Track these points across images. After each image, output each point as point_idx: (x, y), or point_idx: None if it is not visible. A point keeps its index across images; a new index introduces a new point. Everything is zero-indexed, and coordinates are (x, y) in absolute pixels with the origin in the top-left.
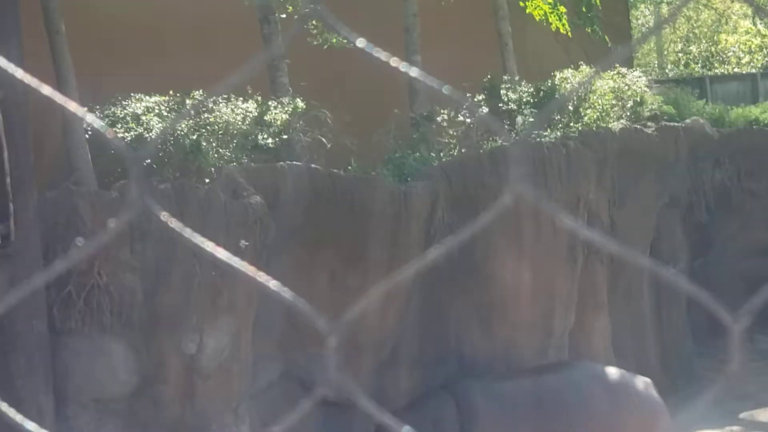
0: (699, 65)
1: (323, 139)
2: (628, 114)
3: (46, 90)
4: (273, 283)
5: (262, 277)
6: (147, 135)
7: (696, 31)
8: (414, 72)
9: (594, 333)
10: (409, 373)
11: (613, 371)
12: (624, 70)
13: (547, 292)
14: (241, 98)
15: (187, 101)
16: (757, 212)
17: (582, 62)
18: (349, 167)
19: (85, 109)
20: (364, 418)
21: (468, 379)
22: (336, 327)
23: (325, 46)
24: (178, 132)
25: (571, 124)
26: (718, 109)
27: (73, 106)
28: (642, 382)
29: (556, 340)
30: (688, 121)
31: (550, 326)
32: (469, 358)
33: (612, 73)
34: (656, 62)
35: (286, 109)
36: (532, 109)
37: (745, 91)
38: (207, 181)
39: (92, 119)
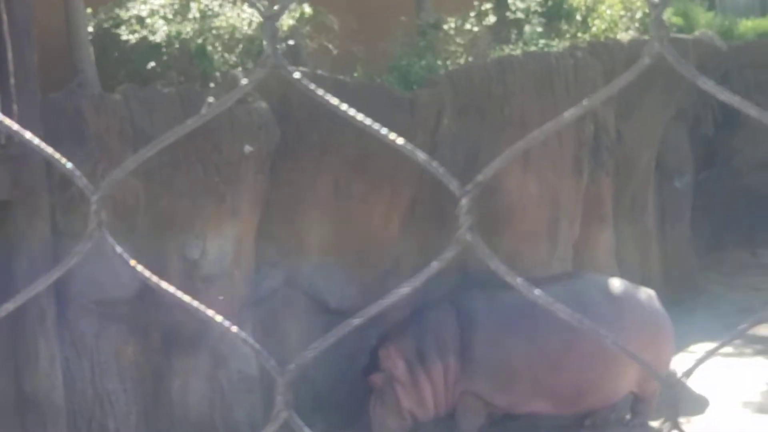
0: None
1: (329, 46)
2: (637, 25)
3: None
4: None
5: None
6: (152, 37)
7: None
8: None
9: (598, 245)
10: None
11: (616, 282)
12: None
13: (552, 203)
14: (247, 2)
15: (192, 4)
16: (764, 127)
17: None
18: (355, 74)
19: (89, 10)
20: (364, 328)
21: (469, 290)
22: (467, 190)
23: None
24: (183, 35)
25: (579, 34)
26: (728, 21)
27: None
28: (645, 293)
29: (561, 252)
30: (697, 33)
31: (555, 238)
32: (472, 269)
33: None
34: None
35: (292, 14)
36: (540, 19)
37: (754, 4)
38: (212, 85)
39: None
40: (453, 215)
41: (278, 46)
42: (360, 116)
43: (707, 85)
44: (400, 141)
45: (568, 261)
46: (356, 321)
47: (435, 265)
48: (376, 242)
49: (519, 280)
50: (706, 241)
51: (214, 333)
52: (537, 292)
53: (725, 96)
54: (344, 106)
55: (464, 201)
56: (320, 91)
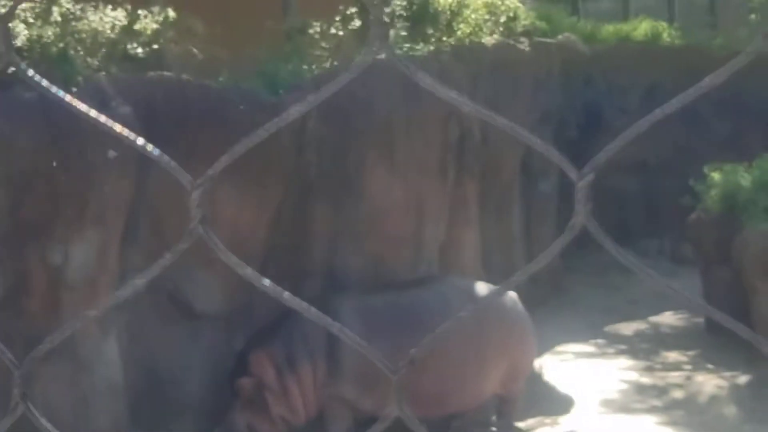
0: None
1: (195, 50)
2: (501, 29)
3: None
4: None
5: None
6: (12, 41)
7: None
8: None
9: (464, 248)
10: (278, 286)
11: (479, 285)
12: None
13: (417, 206)
14: (110, 6)
15: (54, 8)
16: (627, 129)
17: None
18: (221, 79)
19: None
20: (230, 331)
21: (335, 293)
22: (200, 181)
23: None
24: (45, 39)
25: (444, 38)
26: (590, 26)
27: None
28: (508, 296)
29: (426, 255)
30: (560, 37)
31: (420, 241)
32: (339, 272)
33: None
34: None
35: (156, 18)
36: (405, 23)
37: (617, 9)
38: (74, 90)
39: None
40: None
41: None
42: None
43: (450, 95)
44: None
45: (434, 264)
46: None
47: (168, 257)
48: (243, 246)
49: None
50: (570, 242)
51: (77, 339)
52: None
53: (470, 107)
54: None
55: (195, 194)
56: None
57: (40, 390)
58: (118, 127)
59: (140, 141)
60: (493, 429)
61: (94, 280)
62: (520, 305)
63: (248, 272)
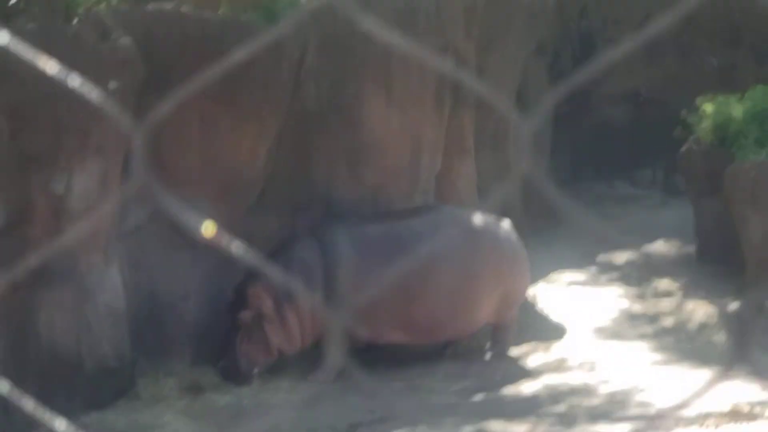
0: None
1: None
2: None
3: None
4: None
5: None
6: None
7: None
8: None
9: (460, 178)
10: (277, 217)
11: (473, 215)
12: None
13: (414, 137)
14: None
15: None
16: (622, 62)
17: None
18: (220, 11)
19: None
20: (231, 259)
21: (332, 222)
22: (141, 126)
23: None
24: None
25: None
26: None
27: None
28: (501, 225)
29: (423, 185)
30: None
31: (417, 171)
32: (337, 202)
33: None
34: None
35: None
36: None
37: None
38: (75, 21)
39: None
40: (317, 149)
41: None
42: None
43: (398, 42)
44: None
45: (430, 193)
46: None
47: (112, 199)
48: (243, 176)
49: None
50: (565, 173)
51: (81, 267)
52: None
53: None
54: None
55: (138, 139)
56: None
57: (46, 317)
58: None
59: (76, 82)
60: (487, 356)
61: (96, 209)
62: (513, 234)
63: (191, 221)
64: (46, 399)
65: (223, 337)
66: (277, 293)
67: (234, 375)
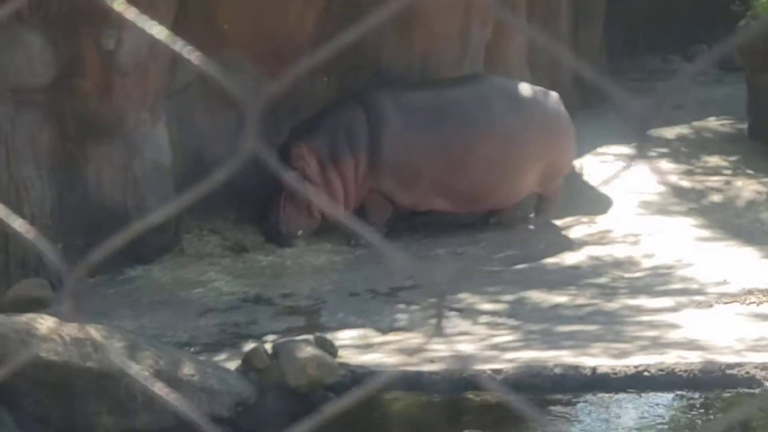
0: None
1: None
2: None
3: None
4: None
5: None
6: None
7: None
8: None
9: (509, 48)
10: (325, 81)
11: (519, 85)
12: None
13: (464, 4)
14: None
15: None
16: None
17: None
18: None
19: None
20: (278, 121)
21: (378, 88)
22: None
23: None
24: None
25: None
26: None
27: None
28: (548, 96)
29: (472, 53)
30: None
31: (467, 39)
32: (385, 67)
33: None
34: None
35: None
36: None
37: None
38: None
39: None
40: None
41: None
42: None
43: None
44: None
45: (479, 62)
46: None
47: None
48: (291, 39)
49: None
50: (618, 45)
51: (129, 124)
52: None
53: None
54: None
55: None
56: None
57: (94, 171)
58: None
59: None
60: (531, 226)
61: (145, 65)
62: (560, 106)
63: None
64: (93, 251)
65: (266, 198)
66: (322, 155)
67: (276, 236)
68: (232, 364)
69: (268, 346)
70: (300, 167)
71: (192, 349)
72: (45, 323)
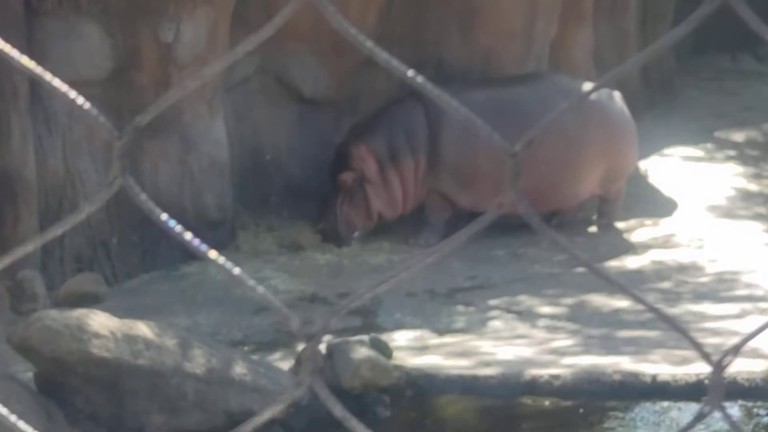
0: None
1: None
2: None
3: None
4: None
5: None
6: None
7: None
8: None
9: (575, 45)
10: (386, 76)
11: (582, 85)
12: None
13: (529, 0)
14: None
15: None
16: None
17: None
18: None
19: None
20: (337, 117)
21: (438, 86)
22: (124, 133)
23: None
24: None
25: None
26: None
27: None
28: (610, 95)
29: (537, 51)
30: None
31: (531, 36)
32: (447, 64)
33: None
34: None
35: None
36: None
37: None
38: None
39: None
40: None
41: None
42: None
43: None
44: None
45: (544, 60)
46: None
47: (86, 208)
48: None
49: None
50: (687, 44)
51: (186, 118)
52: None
53: None
54: None
55: (118, 145)
56: None
57: (150, 166)
58: None
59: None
60: (593, 228)
61: (203, 58)
62: (623, 106)
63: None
64: (149, 247)
65: (323, 198)
66: (381, 155)
67: (333, 237)
68: (286, 364)
69: (323, 347)
70: (359, 168)
71: (246, 348)
72: (97, 319)
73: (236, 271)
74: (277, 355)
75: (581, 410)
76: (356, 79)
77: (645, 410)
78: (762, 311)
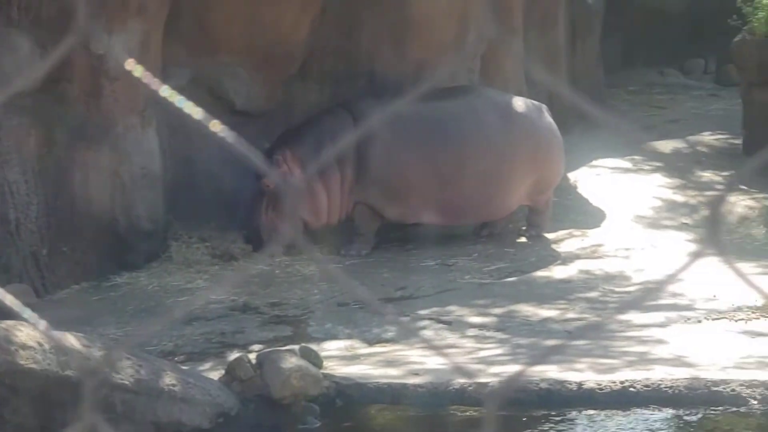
0: None
1: None
2: None
3: None
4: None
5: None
6: None
7: None
8: None
9: (506, 58)
10: (318, 88)
11: (510, 98)
12: None
13: (461, 14)
14: None
15: None
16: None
17: None
18: None
19: None
20: (270, 128)
21: (367, 97)
22: None
23: None
24: None
25: None
26: None
27: None
28: (538, 108)
29: (468, 63)
30: None
31: (463, 48)
32: (379, 76)
33: None
34: None
35: None
36: None
37: None
38: None
39: None
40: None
41: None
42: None
43: None
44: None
45: (475, 73)
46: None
47: (55, 55)
48: (285, 45)
49: None
50: (615, 58)
51: (118, 129)
52: None
53: None
54: None
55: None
56: None
57: (81, 177)
58: None
59: None
60: (522, 239)
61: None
62: (550, 119)
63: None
64: (79, 258)
65: (248, 204)
66: (307, 163)
67: (256, 242)
68: (217, 374)
69: (253, 356)
70: (283, 173)
71: (176, 358)
72: (25, 330)
73: None
74: (207, 365)
75: (509, 419)
76: (288, 91)
77: (571, 418)
78: (687, 320)
